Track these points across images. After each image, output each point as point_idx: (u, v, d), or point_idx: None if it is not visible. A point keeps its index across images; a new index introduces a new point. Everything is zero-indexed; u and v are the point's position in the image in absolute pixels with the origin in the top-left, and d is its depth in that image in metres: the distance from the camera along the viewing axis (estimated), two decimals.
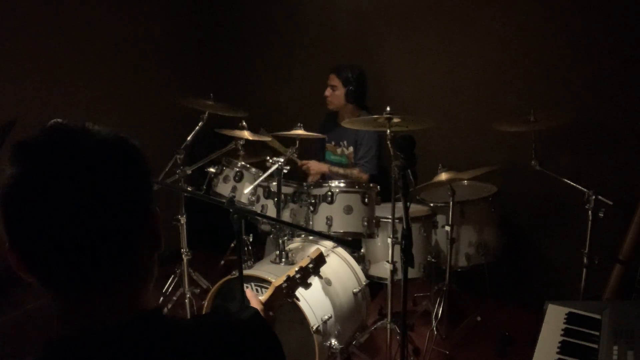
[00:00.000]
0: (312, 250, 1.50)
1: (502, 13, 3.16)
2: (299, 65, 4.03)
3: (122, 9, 3.61)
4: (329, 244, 2.68)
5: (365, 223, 2.57)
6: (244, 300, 1.28)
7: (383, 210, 2.70)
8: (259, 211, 2.76)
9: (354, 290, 2.52)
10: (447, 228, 2.62)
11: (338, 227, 2.56)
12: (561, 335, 1.51)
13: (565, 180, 2.48)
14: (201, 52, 4.30)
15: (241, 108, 3.11)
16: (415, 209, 2.82)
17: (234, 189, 2.88)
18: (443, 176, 2.55)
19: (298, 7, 3.95)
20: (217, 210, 1.98)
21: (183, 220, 2.86)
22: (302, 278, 1.40)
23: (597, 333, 1.49)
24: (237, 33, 4.29)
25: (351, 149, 3.27)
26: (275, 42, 4.13)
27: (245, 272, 2.22)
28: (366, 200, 2.59)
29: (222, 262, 3.60)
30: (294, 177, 2.80)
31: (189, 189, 2.80)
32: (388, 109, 2.35)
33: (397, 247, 2.04)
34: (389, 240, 2.42)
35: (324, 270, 1.88)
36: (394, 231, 2.43)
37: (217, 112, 2.99)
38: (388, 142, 2.33)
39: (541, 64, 3.07)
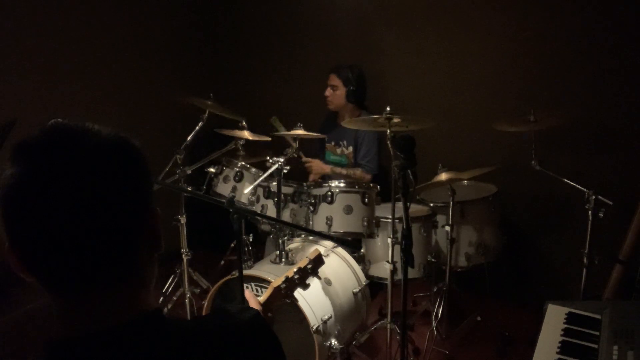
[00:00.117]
0: (311, 250, 1.50)
1: (502, 13, 3.16)
2: (299, 65, 4.03)
3: (122, 9, 3.61)
4: (329, 244, 2.68)
5: (365, 223, 2.57)
6: (244, 300, 1.28)
7: (383, 210, 2.70)
8: (259, 211, 2.76)
9: (354, 290, 2.52)
10: (447, 228, 2.63)
11: (338, 227, 2.56)
12: (561, 335, 1.51)
13: (565, 180, 2.48)
14: (201, 52, 4.30)
15: (239, 112, 3.09)
16: (415, 209, 2.82)
17: (234, 189, 2.88)
18: (443, 176, 2.55)
19: (298, 7, 3.95)
20: (217, 210, 1.98)
21: (183, 220, 2.86)
22: (301, 279, 1.40)
23: (597, 333, 1.49)
24: (237, 33, 4.29)
25: (351, 148, 3.27)
26: (275, 42, 4.13)
27: (245, 272, 2.22)
28: (366, 200, 2.59)
29: (222, 262, 3.60)
30: (294, 177, 2.80)
31: (189, 189, 2.80)
32: (388, 109, 2.35)
33: (397, 247, 2.04)
34: (389, 240, 2.42)
35: (324, 270, 1.88)
36: (394, 231, 2.43)
37: (217, 112, 2.99)
38: (388, 142, 2.33)
39: (541, 64, 3.07)
